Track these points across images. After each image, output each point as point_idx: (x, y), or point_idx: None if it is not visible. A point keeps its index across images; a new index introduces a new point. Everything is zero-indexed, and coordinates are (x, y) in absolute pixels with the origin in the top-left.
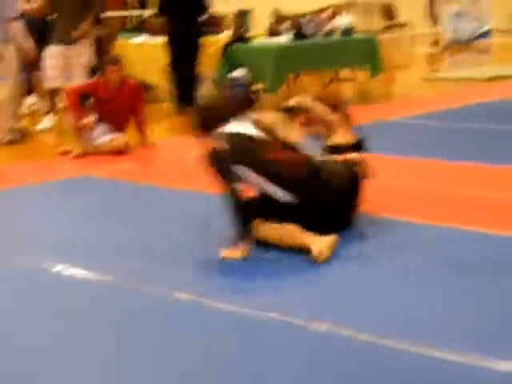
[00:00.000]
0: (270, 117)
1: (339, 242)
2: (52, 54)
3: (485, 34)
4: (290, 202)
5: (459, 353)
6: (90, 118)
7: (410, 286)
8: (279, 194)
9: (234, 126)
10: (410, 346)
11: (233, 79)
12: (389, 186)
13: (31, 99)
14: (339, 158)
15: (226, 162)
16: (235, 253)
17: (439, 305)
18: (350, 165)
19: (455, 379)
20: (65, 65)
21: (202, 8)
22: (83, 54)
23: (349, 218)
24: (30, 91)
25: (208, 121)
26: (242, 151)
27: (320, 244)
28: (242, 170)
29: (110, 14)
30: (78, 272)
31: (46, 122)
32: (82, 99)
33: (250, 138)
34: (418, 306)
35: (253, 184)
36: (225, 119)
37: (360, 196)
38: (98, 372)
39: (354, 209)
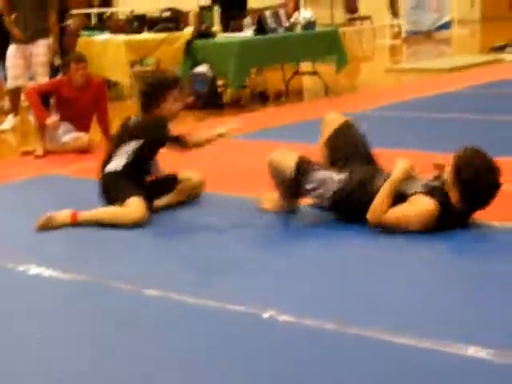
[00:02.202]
0: None
1: None
2: (13, 54)
3: (445, 25)
4: None
5: (427, 339)
6: (54, 118)
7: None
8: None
9: None
10: (379, 333)
11: (195, 75)
12: None
13: None
14: None
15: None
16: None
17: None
18: None
19: (423, 364)
20: (26, 64)
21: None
22: (44, 52)
23: None
24: None
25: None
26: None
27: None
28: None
29: (73, 11)
30: (44, 271)
31: (8, 122)
32: (44, 98)
33: None
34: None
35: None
36: None
37: None
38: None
39: None
